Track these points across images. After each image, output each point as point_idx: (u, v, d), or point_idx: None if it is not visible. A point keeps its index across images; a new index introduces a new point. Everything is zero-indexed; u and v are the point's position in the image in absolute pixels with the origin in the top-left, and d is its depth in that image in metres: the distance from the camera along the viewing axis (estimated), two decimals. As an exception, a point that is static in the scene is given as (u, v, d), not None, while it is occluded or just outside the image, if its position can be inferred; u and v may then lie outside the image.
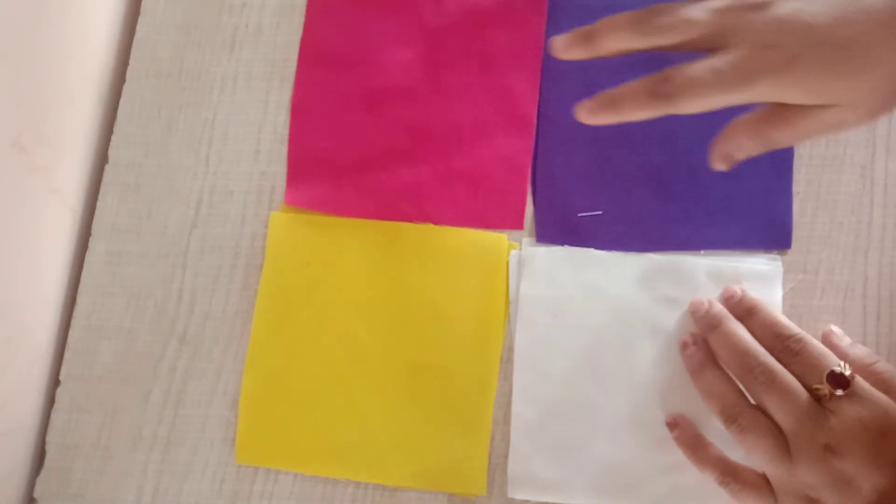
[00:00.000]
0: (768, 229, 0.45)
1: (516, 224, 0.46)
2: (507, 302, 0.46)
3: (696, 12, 0.36)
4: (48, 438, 0.47)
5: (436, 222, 0.46)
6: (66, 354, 0.48)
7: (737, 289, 0.43)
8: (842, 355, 0.39)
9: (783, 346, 0.39)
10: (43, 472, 0.47)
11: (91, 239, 0.49)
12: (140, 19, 0.51)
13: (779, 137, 0.36)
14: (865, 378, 0.38)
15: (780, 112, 0.36)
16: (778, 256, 0.44)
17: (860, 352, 0.40)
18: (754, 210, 0.45)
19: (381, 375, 0.45)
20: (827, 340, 0.41)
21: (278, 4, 0.50)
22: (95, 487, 0.47)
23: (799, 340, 0.39)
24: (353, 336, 0.46)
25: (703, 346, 0.42)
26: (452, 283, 0.46)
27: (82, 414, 0.47)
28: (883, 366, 0.39)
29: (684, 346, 0.43)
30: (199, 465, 0.46)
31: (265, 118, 0.49)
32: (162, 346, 0.47)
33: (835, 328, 0.42)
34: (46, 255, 0.47)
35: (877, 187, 0.45)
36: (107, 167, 0.49)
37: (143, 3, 0.51)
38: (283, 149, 0.49)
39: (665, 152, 0.46)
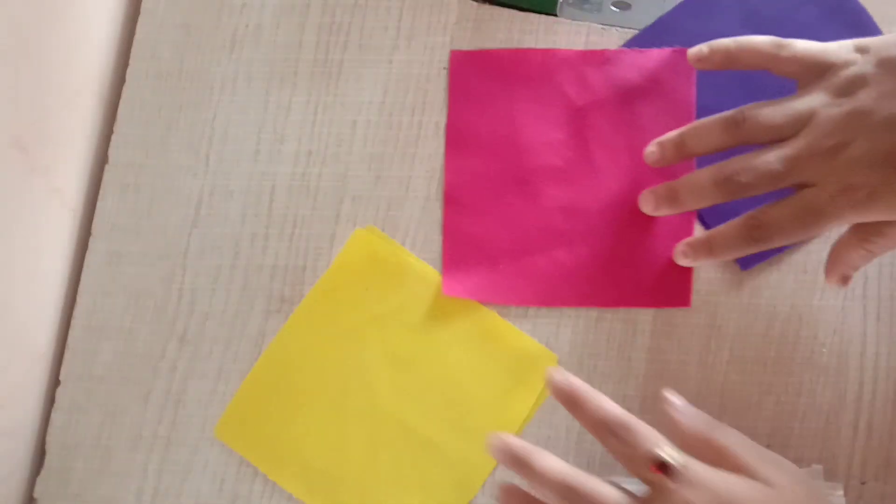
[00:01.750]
0: None
1: (683, 301, 0.45)
2: (527, 418, 0.45)
3: (773, 164, 0.39)
4: (48, 438, 0.47)
5: (598, 304, 0.45)
6: (66, 354, 0.48)
7: (556, 372, 0.39)
8: (674, 429, 0.38)
9: (612, 435, 0.37)
10: (43, 472, 0.47)
11: (91, 239, 0.49)
12: (140, 19, 0.51)
13: (879, 249, 0.40)
14: (700, 449, 0.37)
15: (873, 227, 0.39)
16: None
17: (694, 422, 0.38)
18: None
19: (379, 426, 0.45)
20: (664, 411, 0.39)
21: (278, 4, 0.50)
22: (95, 487, 0.47)
23: (626, 428, 0.37)
24: (370, 375, 0.46)
25: (517, 492, 0.39)
26: (486, 375, 0.45)
27: (82, 414, 0.47)
28: (719, 433, 0.37)
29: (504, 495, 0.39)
30: (199, 465, 0.46)
31: (265, 118, 0.49)
32: (162, 346, 0.47)
33: (670, 396, 0.39)
34: (46, 255, 0.47)
35: (877, 187, 0.45)
36: (107, 167, 0.49)
37: (143, 3, 0.51)
38: (283, 148, 0.49)
39: None
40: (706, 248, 0.42)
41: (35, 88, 0.44)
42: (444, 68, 0.48)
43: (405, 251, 0.47)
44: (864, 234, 0.40)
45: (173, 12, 0.50)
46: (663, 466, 0.35)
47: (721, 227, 0.41)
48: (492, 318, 0.46)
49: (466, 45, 0.48)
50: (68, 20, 0.47)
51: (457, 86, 0.48)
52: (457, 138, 0.48)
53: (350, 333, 0.46)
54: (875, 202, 0.37)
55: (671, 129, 0.44)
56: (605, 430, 0.37)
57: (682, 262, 0.44)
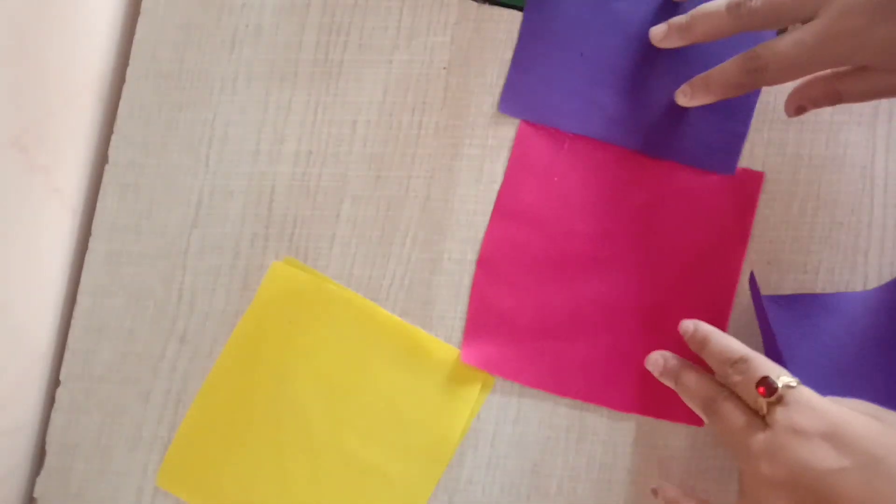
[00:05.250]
0: (715, 153, 0.46)
1: (698, 419, 0.43)
2: (463, 434, 0.45)
3: None
4: (48, 438, 0.47)
5: (611, 405, 0.45)
6: (66, 354, 0.48)
7: (689, 324, 0.42)
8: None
9: (732, 369, 0.39)
10: (43, 472, 0.47)
11: (91, 239, 0.49)
12: (140, 19, 0.51)
13: (851, 93, 0.40)
14: None
15: (857, 71, 0.40)
16: None
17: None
18: (709, 133, 0.46)
19: (318, 456, 0.45)
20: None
21: (278, 4, 0.50)
22: (95, 487, 0.47)
23: (744, 360, 0.38)
24: (304, 407, 0.46)
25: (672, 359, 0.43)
26: (419, 392, 0.45)
27: (82, 414, 0.47)
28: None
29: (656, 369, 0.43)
30: (199, 465, 0.46)
31: (265, 118, 0.49)
32: (162, 346, 0.47)
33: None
34: (46, 255, 0.47)
35: (877, 187, 0.45)
36: (107, 167, 0.49)
37: (143, 3, 0.51)
38: (283, 148, 0.49)
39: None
40: (703, 86, 0.44)
41: (35, 88, 0.44)
42: (444, 68, 0.48)
43: (326, 279, 0.47)
44: (843, 74, 0.40)
45: (173, 12, 0.50)
46: (769, 389, 0.36)
47: (720, 66, 0.43)
48: (417, 335, 0.46)
49: (466, 44, 0.48)
50: (68, 20, 0.47)
51: (518, 156, 0.47)
52: (505, 206, 0.47)
53: (279, 369, 0.46)
54: (872, 33, 0.37)
55: (721, 248, 0.45)
56: (728, 366, 0.39)
57: (682, 101, 0.45)
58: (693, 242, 0.45)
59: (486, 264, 0.46)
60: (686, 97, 0.45)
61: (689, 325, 0.42)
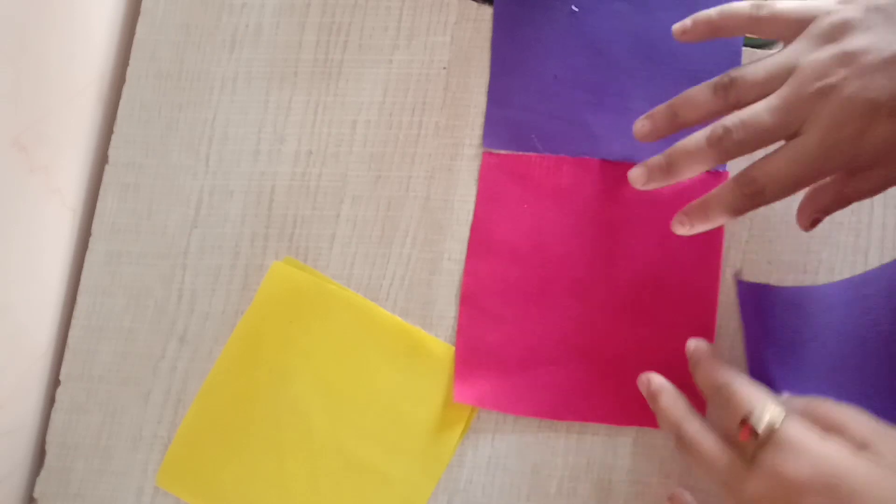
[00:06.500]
0: None
1: None
2: (463, 434, 0.45)
3: (762, 117, 0.37)
4: (48, 438, 0.47)
5: (609, 421, 0.45)
6: (66, 354, 0.48)
7: (691, 343, 0.42)
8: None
9: (718, 396, 0.38)
10: (43, 472, 0.47)
11: (91, 239, 0.49)
12: (140, 19, 0.51)
13: (859, 192, 0.38)
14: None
15: (855, 173, 0.38)
16: None
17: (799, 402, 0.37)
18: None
19: (318, 457, 0.45)
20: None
21: (278, 4, 0.50)
22: (95, 487, 0.47)
23: (727, 386, 0.38)
24: (304, 407, 0.45)
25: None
26: (419, 393, 0.45)
27: (82, 414, 0.47)
28: (822, 406, 0.36)
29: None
30: (199, 465, 0.46)
31: (265, 118, 0.49)
32: (162, 346, 0.47)
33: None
34: (46, 255, 0.47)
35: (877, 187, 0.45)
36: (107, 167, 0.49)
37: (143, 3, 0.51)
38: (283, 148, 0.49)
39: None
40: (702, 214, 0.40)
41: (35, 88, 0.44)
42: (444, 68, 0.48)
43: (326, 279, 0.47)
44: (844, 178, 0.38)
45: (173, 12, 0.50)
46: (751, 432, 0.34)
47: (715, 190, 0.40)
48: (417, 335, 0.46)
49: (466, 44, 0.48)
50: (68, 20, 0.47)
51: (485, 188, 0.47)
52: (480, 241, 0.47)
53: (278, 369, 0.46)
54: (864, 141, 0.36)
55: (698, 253, 0.44)
56: (714, 391, 0.38)
57: (680, 231, 0.42)
58: (670, 248, 0.45)
59: (469, 302, 0.46)
60: (685, 227, 0.41)
61: (689, 345, 0.42)
